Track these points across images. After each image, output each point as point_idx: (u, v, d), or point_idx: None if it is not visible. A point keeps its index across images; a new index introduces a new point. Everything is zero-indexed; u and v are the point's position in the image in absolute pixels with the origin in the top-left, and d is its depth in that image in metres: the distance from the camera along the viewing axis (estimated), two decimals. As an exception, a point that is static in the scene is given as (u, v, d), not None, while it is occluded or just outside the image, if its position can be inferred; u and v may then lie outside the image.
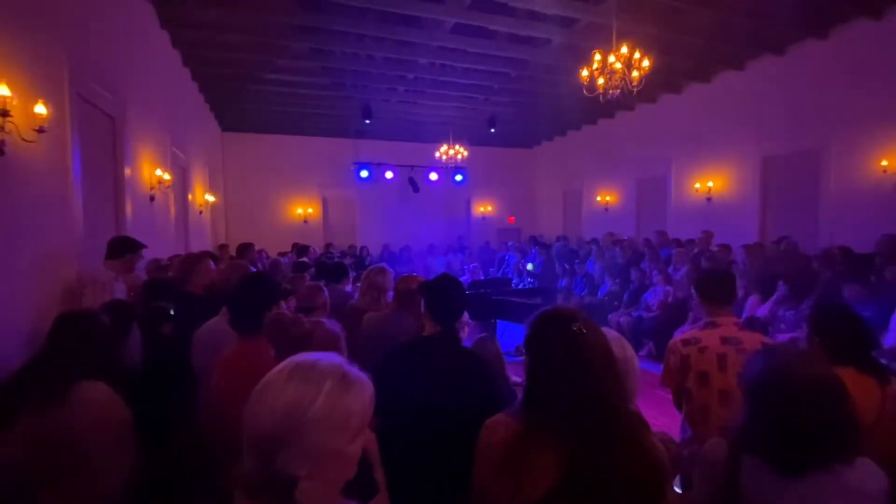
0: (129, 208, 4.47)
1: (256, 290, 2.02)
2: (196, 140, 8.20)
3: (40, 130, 2.76)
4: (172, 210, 6.23)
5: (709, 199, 8.48)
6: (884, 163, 5.92)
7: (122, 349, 1.63)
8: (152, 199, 5.25)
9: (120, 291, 3.11)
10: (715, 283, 2.14)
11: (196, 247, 7.01)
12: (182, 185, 7.04)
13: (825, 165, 6.66)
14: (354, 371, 0.91)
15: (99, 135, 4.12)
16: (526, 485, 1.01)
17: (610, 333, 1.58)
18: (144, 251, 3.51)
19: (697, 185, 8.64)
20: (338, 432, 0.85)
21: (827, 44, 6.49)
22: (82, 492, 1.31)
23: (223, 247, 7.69)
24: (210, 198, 9.10)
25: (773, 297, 4.95)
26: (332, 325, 1.42)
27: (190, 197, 7.45)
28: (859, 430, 1.12)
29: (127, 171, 4.49)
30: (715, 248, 7.23)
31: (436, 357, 1.73)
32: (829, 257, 5.63)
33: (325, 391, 0.85)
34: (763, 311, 4.94)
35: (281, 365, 0.89)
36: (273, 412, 0.82)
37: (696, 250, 7.43)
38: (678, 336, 2.11)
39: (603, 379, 1.06)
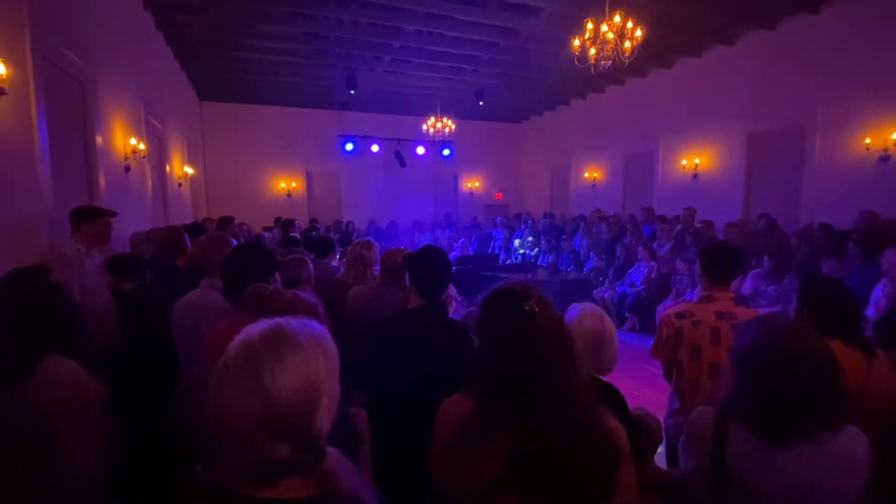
0: (102, 178, 4.28)
1: (254, 261, 1.94)
2: (172, 109, 7.86)
3: (0, 92, 2.58)
4: (149, 182, 6.01)
5: (695, 176, 8.51)
6: (867, 140, 5.98)
7: (89, 323, 1.56)
8: (127, 169, 5.04)
9: (92, 266, 2.97)
10: (722, 259, 2.06)
11: (175, 220, 6.81)
12: (159, 156, 6.77)
13: (810, 142, 6.70)
14: (310, 323, 0.88)
15: (67, 100, 3.89)
16: (475, 468, 0.99)
17: (589, 307, 1.58)
18: (118, 223, 3.36)
19: (684, 162, 8.66)
20: (336, 381, 0.85)
21: (818, 18, 6.44)
22: (53, 472, 1.26)
23: (208, 220, 7.49)
24: (189, 170, 8.80)
25: (754, 273, 5.03)
26: (308, 296, 1.36)
27: (168, 168, 7.18)
28: (847, 399, 1.13)
29: (99, 140, 4.28)
30: (699, 225, 7.31)
31: (422, 329, 1.70)
32: (808, 233, 5.74)
33: (319, 345, 0.83)
34: (747, 287, 5.01)
35: (244, 345, 0.80)
36: (295, 391, 0.77)
37: (679, 227, 7.50)
38: (672, 309, 2.10)
39: (555, 359, 1.03)
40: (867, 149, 5.99)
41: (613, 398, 1.47)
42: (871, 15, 5.86)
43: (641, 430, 1.47)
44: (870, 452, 1.13)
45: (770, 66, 7.12)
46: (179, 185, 8.07)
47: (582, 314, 1.54)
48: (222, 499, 0.76)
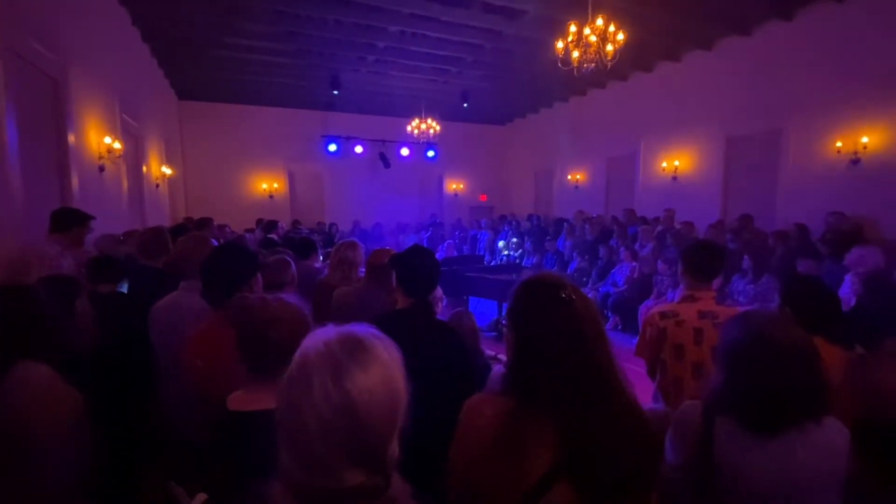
0: (75, 178, 4.14)
1: (234, 260, 1.89)
2: (149, 107, 7.67)
3: (-35, 87, 2.47)
4: (125, 182, 5.84)
5: (674, 178, 8.68)
6: (838, 143, 6.18)
7: (67, 328, 1.49)
8: (102, 169, 4.89)
9: (68, 268, 2.88)
10: (703, 257, 2.09)
11: (153, 222, 6.63)
12: (135, 155, 6.60)
13: (784, 146, 6.90)
14: (372, 328, 0.82)
15: (38, 96, 3.76)
16: (523, 466, 0.96)
17: None
18: (94, 224, 3.26)
19: (664, 164, 8.82)
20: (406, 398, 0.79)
21: (791, 25, 6.63)
22: (27, 481, 1.20)
23: (189, 220, 7.31)
24: (167, 170, 8.60)
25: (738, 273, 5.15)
26: (296, 300, 1.32)
27: (144, 168, 7.00)
28: (829, 391, 1.15)
29: (71, 138, 4.14)
30: (679, 226, 7.45)
31: (412, 330, 1.67)
32: (784, 234, 5.93)
33: (394, 359, 0.77)
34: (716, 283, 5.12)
35: (325, 353, 0.72)
36: (380, 409, 0.71)
37: (660, 228, 7.64)
38: (656, 309, 2.12)
39: (595, 347, 1.02)
40: (839, 152, 6.19)
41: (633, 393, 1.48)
42: (841, 22, 6.07)
43: None
44: (851, 445, 1.15)
45: (746, 71, 7.31)
46: (157, 185, 7.87)
47: None
48: None
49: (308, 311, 1.39)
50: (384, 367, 0.74)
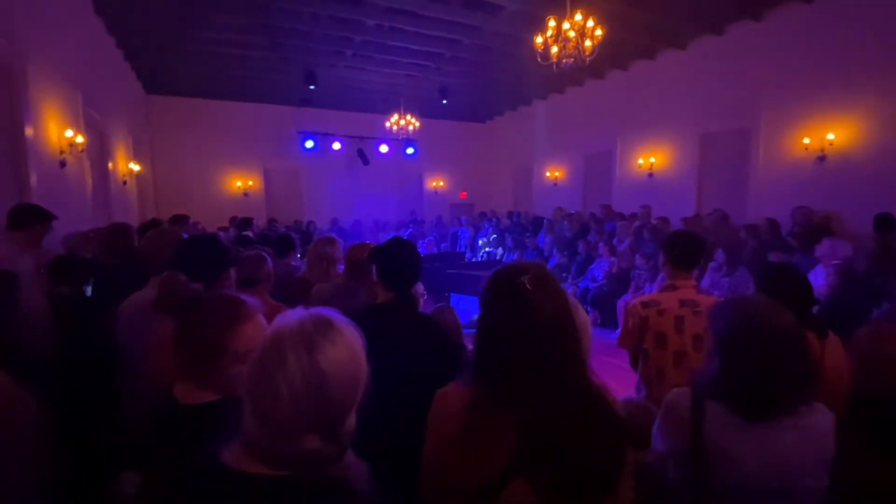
0: (33, 174, 3.93)
1: (205, 253, 1.80)
2: (115, 101, 7.35)
3: None
4: (89, 178, 5.58)
5: (650, 175, 8.83)
6: (806, 140, 6.38)
7: (14, 327, 1.39)
8: (63, 164, 4.65)
9: (26, 267, 2.72)
10: (684, 248, 2.11)
11: (120, 220, 6.36)
12: (100, 151, 6.32)
13: (755, 142, 7.09)
14: (336, 312, 0.86)
15: (-10, 86, 3.55)
16: (482, 458, 0.94)
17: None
18: (55, 223, 3.09)
19: (641, 161, 8.96)
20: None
21: (761, 25, 6.81)
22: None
23: (157, 220, 7.04)
24: (135, 167, 8.27)
25: (711, 265, 5.25)
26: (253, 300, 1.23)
27: (110, 165, 6.71)
28: (817, 375, 1.17)
29: (29, 131, 3.92)
30: (655, 221, 7.59)
31: (393, 324, 1.63)
32: (754, 228, 6.11)
33: (357, 339, 0.83)
34: (705, 281, 5.21)
35: (298, 329, 0.78)
36: (345, 381, 0.78)
37: (637, 223, 7.77)
38: (638, 298, 2.12)
39: (552, 340, 0.97)
40: (806, 149, 6.39)
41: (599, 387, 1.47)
42: (809, 22, 6.26)
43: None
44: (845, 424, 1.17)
45: (718, 69, 7.48)
46: (124, 182, 7.57)
47: None
48: (230, 479, 0.75)
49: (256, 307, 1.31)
50: (350, 345, 0.81)
